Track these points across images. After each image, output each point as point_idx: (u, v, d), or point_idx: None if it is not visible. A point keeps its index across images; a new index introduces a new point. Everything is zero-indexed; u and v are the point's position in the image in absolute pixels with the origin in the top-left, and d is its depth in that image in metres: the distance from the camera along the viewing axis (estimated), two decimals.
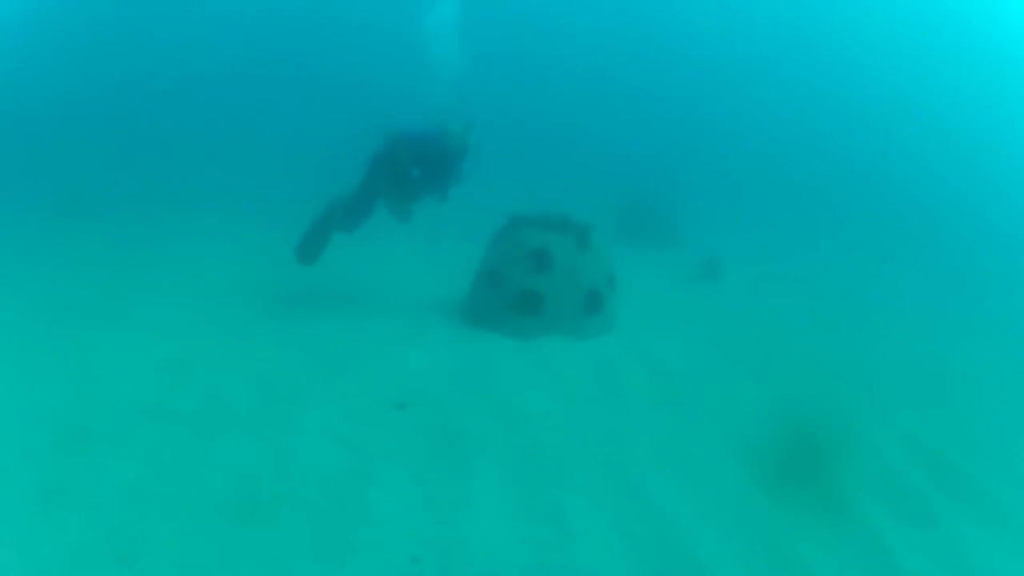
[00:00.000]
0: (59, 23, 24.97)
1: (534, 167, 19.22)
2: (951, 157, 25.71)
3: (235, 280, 8.62)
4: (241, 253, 10.03)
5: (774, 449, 5.06)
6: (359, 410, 5.39)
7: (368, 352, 6.62)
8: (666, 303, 9.38)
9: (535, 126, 24.88)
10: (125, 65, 24.67)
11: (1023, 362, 8.05)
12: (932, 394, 6.72)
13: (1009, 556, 4.26)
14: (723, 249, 12.18)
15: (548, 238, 7.66)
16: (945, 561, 4.15)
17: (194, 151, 17.76)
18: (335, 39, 29.71)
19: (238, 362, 6.15)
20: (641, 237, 14.16)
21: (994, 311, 10.47)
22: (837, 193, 20.12)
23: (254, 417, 5.15)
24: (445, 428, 5.20)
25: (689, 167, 21.11)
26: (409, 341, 7.04)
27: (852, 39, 32.62)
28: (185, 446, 4.66)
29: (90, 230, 11.01)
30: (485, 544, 3.93)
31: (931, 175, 23.31)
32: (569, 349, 7.11)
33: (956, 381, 7.19)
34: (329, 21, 30.08)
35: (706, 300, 9.83)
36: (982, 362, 7.96)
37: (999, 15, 34.14)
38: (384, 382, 5.93)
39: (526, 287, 7.48)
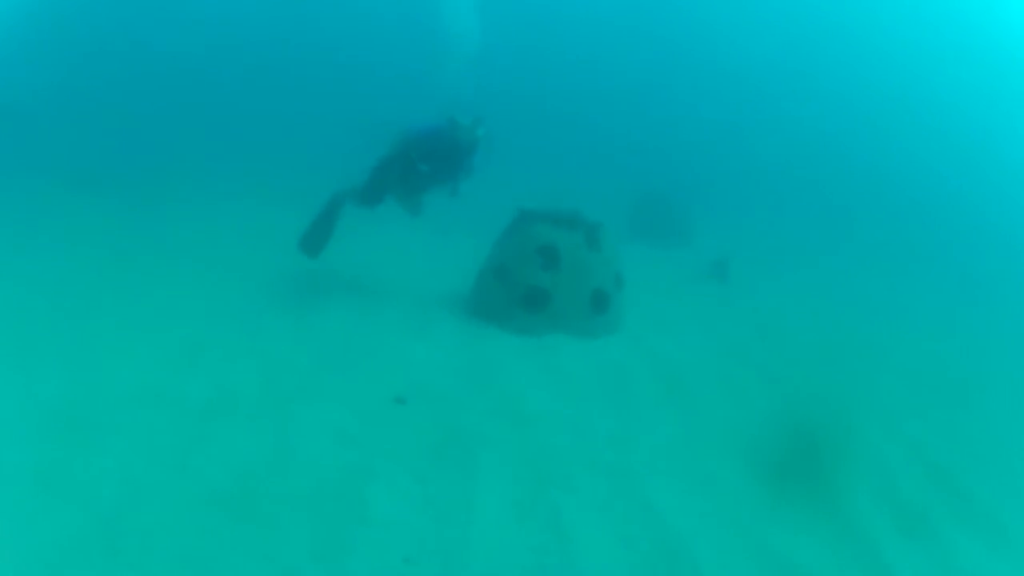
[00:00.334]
0: (72, 9, 25.03)
1: (551, 162, 19.16)
2: (964, 163, 25.44)
3: (243, 266, 8.57)
4: (251, 239, 9.99)
5: (777, 456, 5.01)
6: (361, 404, 5.35)
7: (373, 345, 6.58)
8: (674, 303, 9.31)
9: (554, 121, 24.82)
10: (143, 48, 24.69)
11: None
12: (937, 403, 6.66)
13: (1006, 570, 4.21)
14: (734, 250, 12.09)
15: (557, 235, 7.60)
16: (941, 574, 4.09)
17: (210, 135, 17.74)
18: (351, 21, 29.66)
19: (242, 351, 6.11)
20: (653, 235, 14.09)
21: (1003, 320, 10.34)
22: (850, 198, 19.96)
23: (255, 408, 5.12)
24: (448, 425, 5.17)
25: (705, 168, 20.99)
26: (414, 334, 7.00)
27: (872, 44, 32.29)
28: (184, 436, 4.62)
29: (103, 206, 10.88)
30: (483, 546, 3.90)
31: (943, 181, 23.09)
32: (574, 348, 7.05)
33: (961, 390, 7.12)
34: (346, 3, 30.02)
35: (715, 301, 9.75)
36: (988, 372, 7.87)
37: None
38: (388, 376, 5.89)
39: (533, 283, 7.42)
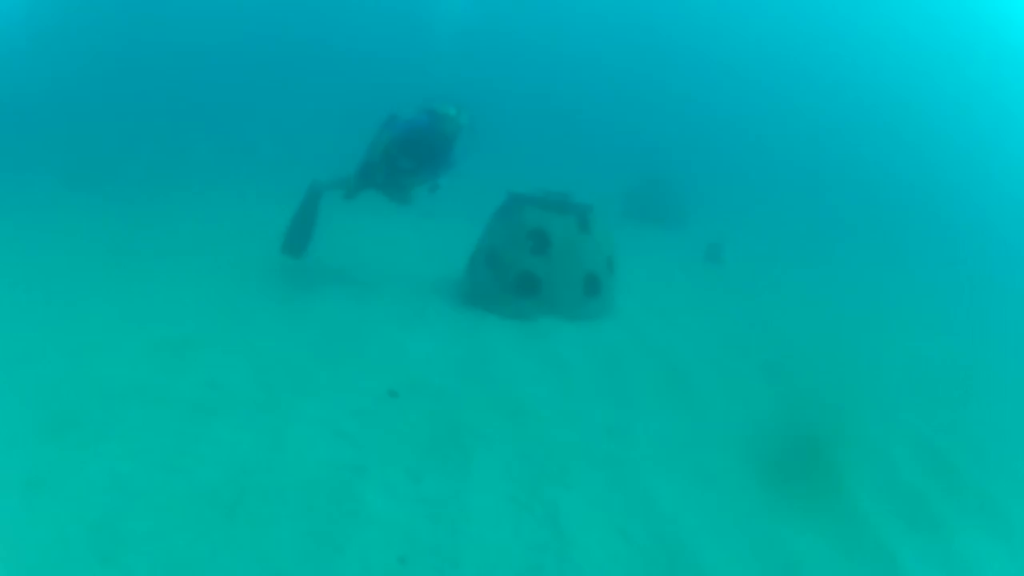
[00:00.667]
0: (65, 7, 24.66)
1: (544, 144, 19.02)
2: (963, 158, 25.39)
3: (233, 259, 8.41)
4: (241, 232, 9.81)
5: (778, 447, 4.94)
6: (354, 399, 5.23)
7: (365, 336, 6.45)
8: (669, 286, 9.23)
9: (549, 103, 24.65)
10: (131, 46, 24.35)
11: None
12: (936, 392, 6.60)
13: (1010, 561, 4.17)
14: (729, 232, 12.00)
15: (548, 219, 7.47)
16: (947, 567, 4.05)
17: (199, 128, 17.49)
18: (338, 11, 29.25)
19: (233, 346, 5.97)
20: (648, 217, 14.01)
21: (1003, 313, 10.29)
22: (845, 182, 19.91)
23: (247, 404, 4.99)
24: (442, 419, 5.06)
25: (700, 150, 20.88)
26: (407, 324, 6.88)
27: (872, 35, 32.09)
28: (175, 435, 4.50)
29: (92, 201, 10.74)
30: (479, 544, 3.81)
31: (939, 165, 23.07)
32: (568, 333, 6.96)
33: (961, 378, 7.07)
34: None
35: (710, 284, 9.66)
36: (990, 364, 7.81)
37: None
38: (380, 369, 5.77)
39: (525, 268, 7.31)
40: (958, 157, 25.43)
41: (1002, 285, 12.38)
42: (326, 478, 4.23)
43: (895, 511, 4.50)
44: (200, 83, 22.69)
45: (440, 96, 7.26)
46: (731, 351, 7.04)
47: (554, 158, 16.69)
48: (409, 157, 7.24)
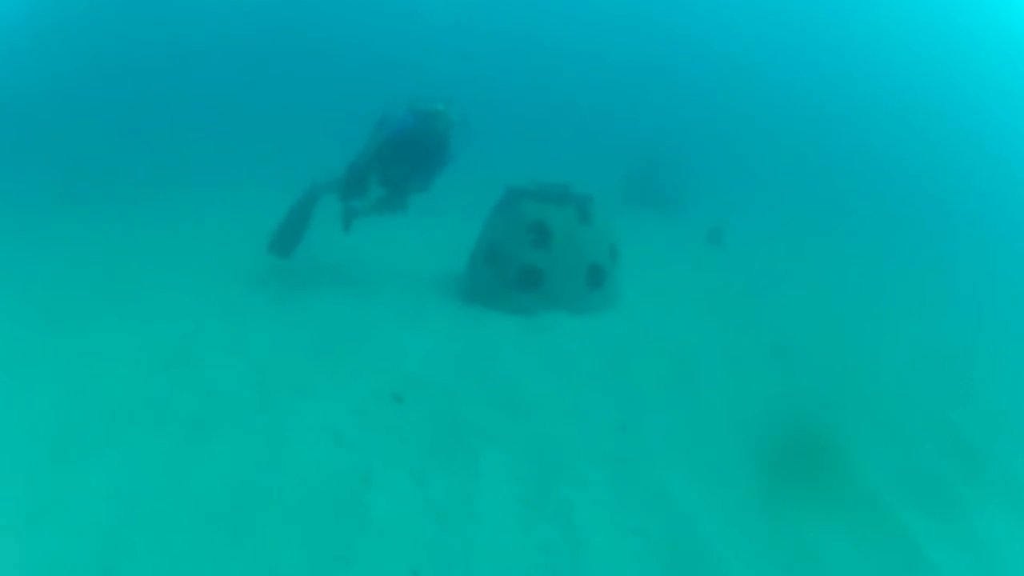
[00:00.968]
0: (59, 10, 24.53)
1: (542, 132, 18.88)
2: (965, 146, 25.13)
3: (229, 261, 8.28)
4: (237, 233, 9.67)
5: (790, 436, 4.83)
6: (356, 402, 5.13)
7: (365, 336, 6.34)
8: (672, 274, 9.11)
9: (547, 90, 24.50)
10: (130, 46, 24.22)
11: None
12: (946, 372, 6.48)
13: None
14: (730, 217, 11.87)
15: (547, 211, 7.35)
16: (968, 549, 3.97)
17: (190, 130, 17.35)
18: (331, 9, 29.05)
19: (232, 351, 5.86)
20: (648, 203, 13.89)
21: (1016, 294, 10.13)
22: (846, 165, 19.75)
23: (249, 413, 4.88)
24: (446, 420, 4.95)
25: (701, 135, 20.72)
26: (408, 322, 6.77)
27: (875, 17, 31.78)
28: (176, 448, 4.41)
29: (87, 208, 10.59)
30: (490, 548, 3.72)
31: (940, 146, 22.88)
32: (573, 326, 6.84)
33: (970, 356, 6.95)
34: None
35: (712, 270, 9.54)
36: (1000, 345, 7.65)
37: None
38: (382, 370, 5.66)
39: (526, 262, 7.19)
40: (962, 139, 25.20)
41: (1009, 266, 12.24)
42: (331, 486, 4.13)
43: (914, 496, 4.39)
44: (200, 83, 22.55)
45: (425, 95, 7.12)
46: (738, 338, 6.91)
47: (552, 144, 16.54)
48: (401, 164, 7.10)
